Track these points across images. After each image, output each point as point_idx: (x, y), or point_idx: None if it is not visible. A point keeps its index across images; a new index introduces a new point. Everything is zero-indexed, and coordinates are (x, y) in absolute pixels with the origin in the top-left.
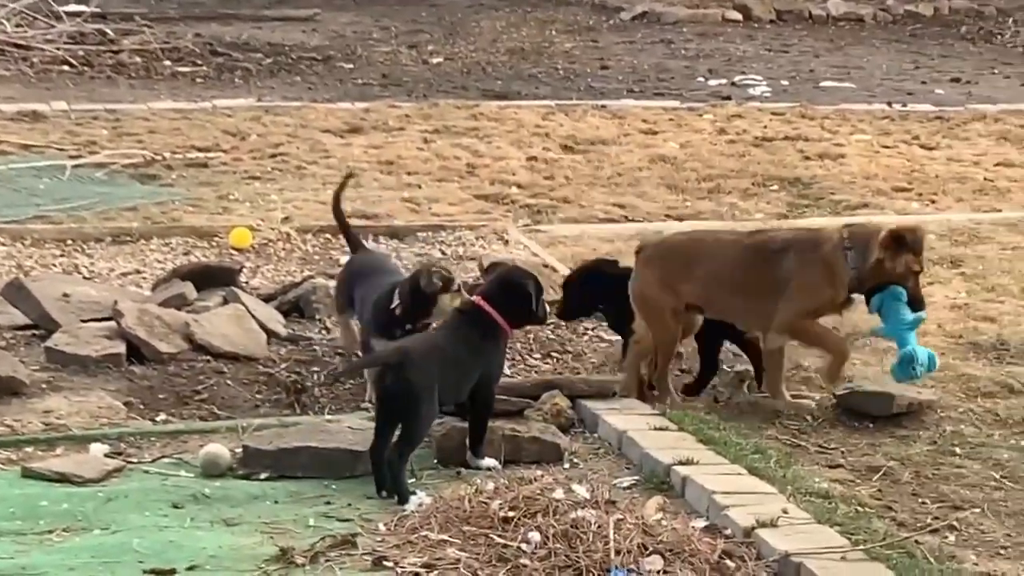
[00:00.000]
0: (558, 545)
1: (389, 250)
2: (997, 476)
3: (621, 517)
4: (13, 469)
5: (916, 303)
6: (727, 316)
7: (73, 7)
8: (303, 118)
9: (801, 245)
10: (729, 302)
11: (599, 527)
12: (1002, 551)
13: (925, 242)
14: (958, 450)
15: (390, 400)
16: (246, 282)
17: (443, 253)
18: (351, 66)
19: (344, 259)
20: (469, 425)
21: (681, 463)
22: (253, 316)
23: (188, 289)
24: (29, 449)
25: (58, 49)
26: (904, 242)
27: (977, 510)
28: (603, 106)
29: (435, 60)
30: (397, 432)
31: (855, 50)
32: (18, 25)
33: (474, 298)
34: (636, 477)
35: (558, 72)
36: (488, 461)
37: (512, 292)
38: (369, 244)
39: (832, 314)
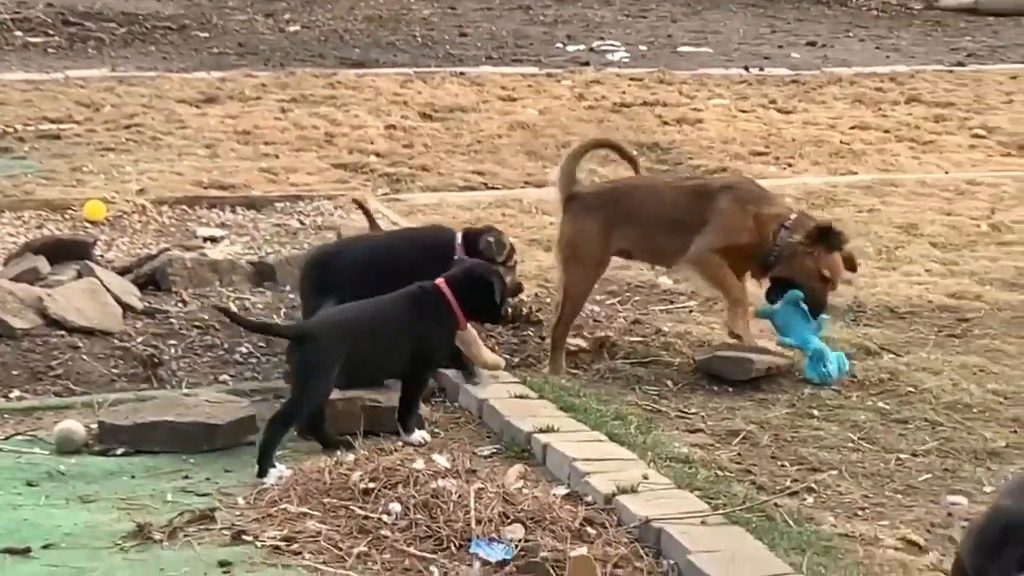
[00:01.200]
0: (419, 515)
1: (246, 221)
2: (855, 438)
3: (482, 486)
4: None
5: (817, 308)
6: (657, 258)
7: None
8: (158, 88)
9: (740, 192)
10: (663, 243)
11: (460, 497)
12: (859, 512)
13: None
14: (816, 413)
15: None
16: (101, 255)
17: (301, 223)
18: (206, 35)
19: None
20: (399, 398)
21: (542, 431)
22: (108, 290)
23: (41, 263)
24: None
25: None
26: (827, 237)
27: (835, 472)
28: (462, 73)
29: (292, 28)
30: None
31: (712, 15)
32: None
33: (438, 281)
34: (497, 446)
35: (416, 39)
36: (417, 435)
37: (477, 285)
38: None
39: (740, 270)
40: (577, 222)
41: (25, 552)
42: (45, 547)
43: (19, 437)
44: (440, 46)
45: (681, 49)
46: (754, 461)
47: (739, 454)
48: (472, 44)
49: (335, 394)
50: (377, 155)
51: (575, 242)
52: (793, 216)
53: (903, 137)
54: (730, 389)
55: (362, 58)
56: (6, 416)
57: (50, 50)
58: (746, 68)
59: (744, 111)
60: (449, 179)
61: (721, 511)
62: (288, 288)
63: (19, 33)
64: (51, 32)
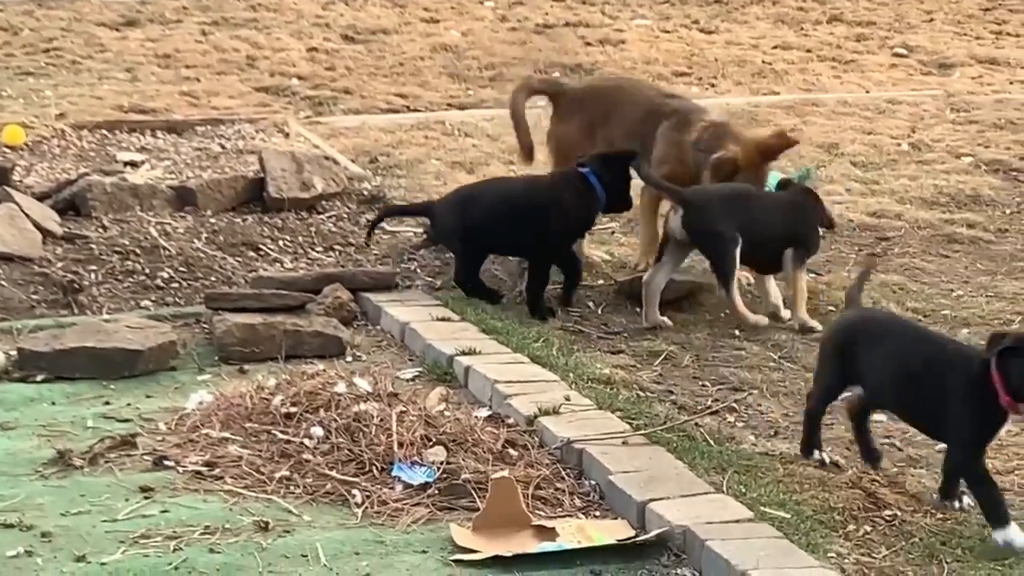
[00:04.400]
0: (341, 439)
1: (167, 145)
2: (776, 357)
3: (404, 409)
4: None
5: None
6: None
7: None
8: (77, 12)
9: (674, 122)
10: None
11: (382, 420)
12: (780, 431)
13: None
14: (737, 333)
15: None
16: (20, 180)
17: (223, 147)
18: None
19: None
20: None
21: (464, 353)
22: (27, 215)
23: None
24: None
25: None
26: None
27: (756, 391)
28: None
29: None
30: None
31: None
32: None
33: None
34: (419, 369)
35: None
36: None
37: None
38: None
39: None
40: (565, 119)
41: None
42: None
43: None
44: None
45: None
46: (675, 381)
47: (660, 375)
48: None
49: (256, 318)
50: (299, 78)
51: (561, 139)
52: (703, 135)
53: (824, 57)
54: None
55: None
56: None
57: None
58: None
59: (667, 31)
60: (372, 102)
61: (642, 431)
62: (208, 213)
63: None
64: None
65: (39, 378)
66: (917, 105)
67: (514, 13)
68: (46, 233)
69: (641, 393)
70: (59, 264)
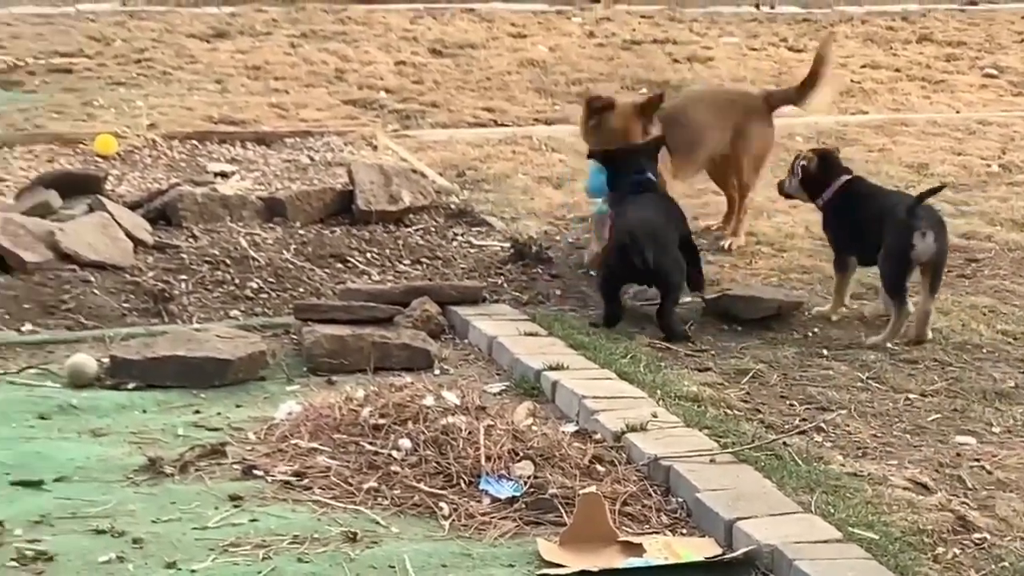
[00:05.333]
0: (429, 452)
1: (256, 156)
2: (864, 377)
3: (491, 423)
4: None
5: None
6: None
7: None
8: (168, 23)
9: None
10: None
11: (469, 433)
12: (868, 451)
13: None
14: (825, 352)
15: None
16: (112, 190)
17: (311, 159)
18: None
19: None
20: None
21: (551, 368)
22: (119, 224)
23: (52, 197)
24: None
25: None
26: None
27: (844, 411)
28: (471, 9)
29: None
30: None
31: None
32: None
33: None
34: (506, 383)
35: None
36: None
37: None
38: None
39: None
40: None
41: (37, 484)
42: (57, 480)
43: (31, 371)
44: None
45: None
46: (763, 400)
47: (748, 393)
48: None
49: (344, 329)
50: (387, 91)
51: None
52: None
53: (914, 76)
54: (739, 328)
55: None
56: (18, 350)
57: None
58: (756, 6)
59: (755, 49)
60: (459, 116)
61: (730, 449)
62: (297, 224)
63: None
64: None
65: (131, 386)
66: (1007, 126)
67: (602, 29)
68: (138, 242)
69: (729, 411)
70: (150, 273)
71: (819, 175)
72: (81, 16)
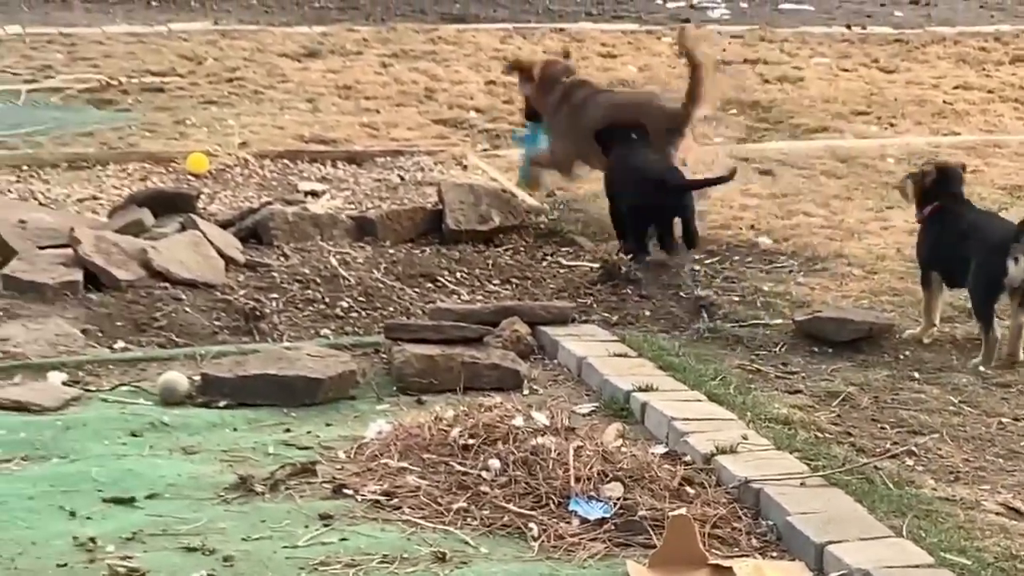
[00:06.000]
0: (518, 472)
1: (347, 175)
2: (956, 401)
3: (581, 444)
4: None
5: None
6: None
7: None
8: (260, 42)
9: None
10: None
11: (559, 454)
12: (960, 476)
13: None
14: (916, 375)
15: None
16: (203, 208)
17: (402, 179)
18: None
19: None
20: None
21: (640, 389)
22: (211, 242)
23: (145, 215)
24: None
25: None
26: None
27: (936, 435)
28: (561, 29)
29: None
30: None
31: None
32: None
33: None
34: (595, 404)
35: None
36: None
37: None
38: None
39: None
40: None
41: (129, 502)
42: (149, 497)
43: (123, 388)
44: (539, 2)
45: (782, 6)
46: (854, 423)
47: (839, 416)
48: (571, 0)
49: (434, 349)
50: (477, 111)
51: None
52: None
53: (1007, 98)
54: (830, 350)
55: (462, 13)
56: (110, 367)
57: (153, 3)
58: (848, 26)
59: (846, 70)
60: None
61: (820, 473)
62: (387, 243)
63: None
64: None
65: (222, 404)
66: None
67: None
68: (229, 260)
69: (819, 434)
70: (241, 291)
71: (932, 188)
72: (173, 35)
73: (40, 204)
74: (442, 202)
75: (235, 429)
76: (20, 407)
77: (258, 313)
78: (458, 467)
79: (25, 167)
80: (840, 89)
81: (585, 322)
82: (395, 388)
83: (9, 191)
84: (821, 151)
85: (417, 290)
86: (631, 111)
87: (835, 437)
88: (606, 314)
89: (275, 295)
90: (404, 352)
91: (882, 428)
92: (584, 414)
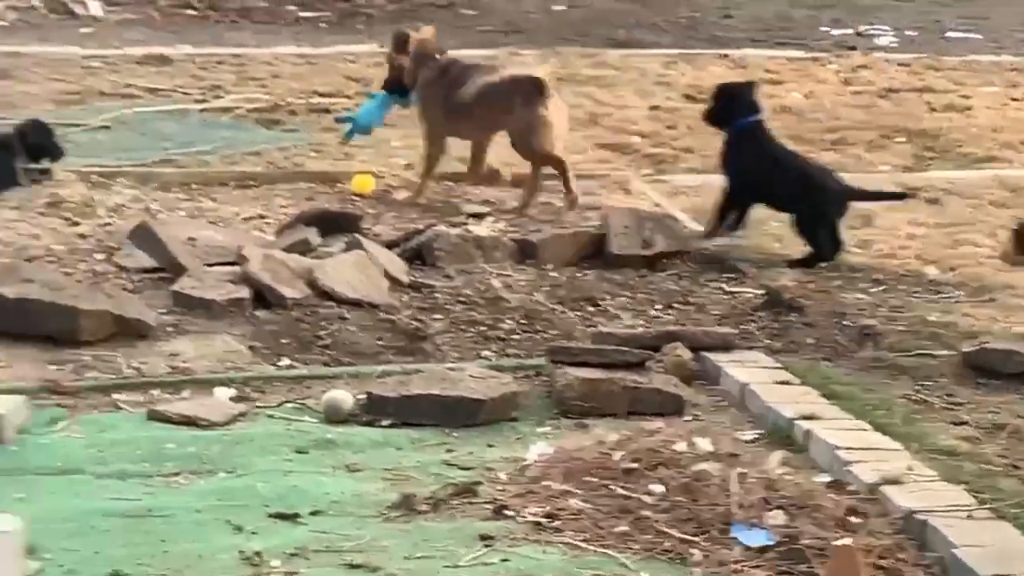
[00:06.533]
0: (680, 498)
1: (510, 198)
2: None
3: (744, 471)
4: (140, 411)
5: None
6: None
7: None
8: None
9: None
10: None
11: (722, 480)
12: None
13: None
14: None
15: None
16: (369, 228)
17: None
18: (474, 13)
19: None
20: None
21: (804, 417)
22: (376, 263)
23: (312, 235)
24: (155, 392)
25: None
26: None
27: None
28: (726, 55)
29: (558, 7)
30: None
31: (983, 0)
32: None
33: None
34: (759, 431)
35: (681, 21)
36: None
37: None
38: None
39: None
40: None
41: (294, 518)
42: (313, 513)
43: (289, 405)
44: (704, 28)
45: (950, 35)
46: (1021, 456)
47: (1006, 448)
48: (736, 26)
49: (596, 373)
50: (641, 136)
51: None
52: None
53: None
54: (997, 382)
55: (627, 39)
56: (276, 384)
57: (321, 25)
58: (1018, 55)
59: (1016, 99)
60: (712, 161)
61: (988, 506)
62: (550, 267)
63: (292, 8)
64: (323, 8)
65: (386, 423)
66: None
67: (858, 76)
68: (393, 281)
69: (986, 467)
70: (405, 312)
71: None
72: (340, 56)
73: (209, 222)
74: (605, 226)
75: (398, 448)
76: (189, 421)
77: (421, 334)
78: (620, 491)
79: (195, 185)
80: (1008, 118)
81: (748, 349)
82: (556, 411)
83: (180, 209)
84: (989, 180)
85: (579, 314)
86: (506, 84)
87: (1003, 470)
88: (769, 341)
89: (438, 316)
90: (566, 375)
91: None
92: (747, 441)
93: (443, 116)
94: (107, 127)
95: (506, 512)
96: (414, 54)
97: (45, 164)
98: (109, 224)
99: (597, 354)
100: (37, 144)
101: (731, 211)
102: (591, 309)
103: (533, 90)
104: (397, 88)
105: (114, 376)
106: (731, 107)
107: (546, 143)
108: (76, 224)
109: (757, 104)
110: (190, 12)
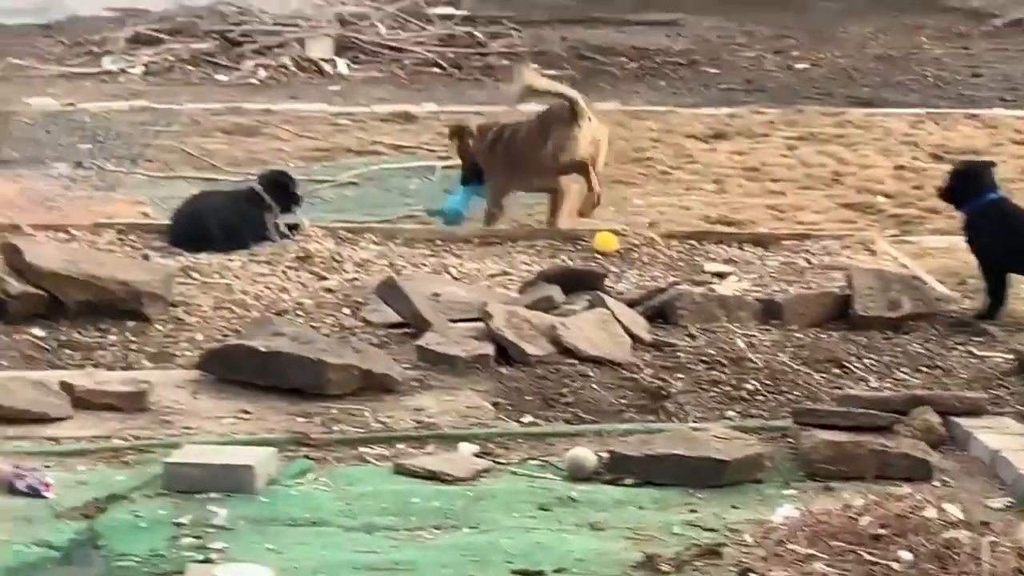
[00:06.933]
0: (930, 566)
1: (753, 258)
2: None
3: (995, 539)
4: (386, 465)
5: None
6: None
7: (443, 10)
8: (667, 123)
9: None
10: None
11: (973, 549)
12: None
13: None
14: None
15: None
16: (611, 286)
17: (808, 262)
18: (716, 71)
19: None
20: None
21: None
22: (618, 321)
23: (555, 292)
24: (401, 446)
25: (429, 51)
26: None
27: None
28: (974, 115)
29: (800, 66)
30: None
31: None
32: (391, 28)
33: None
34: (1010, 499)
35: (927, 79)
36: None
37: None
38: None
39: None
40: None
41: (538, 575)
42: (557, 571)
43: (532, 462)
44: (952, 86)
45: None
46: None
47: None
48: (985, 85)
49: (843, 435)
50: (885, 195)
51: None
52: None
53: None
54: None
55: (871, 97)
56: (519, 440)
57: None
58: None
59: None
60: (957, 222)
61: None
62: (794, 327)
63: (535, 66)
64: (565, 66)
65: (629, 481)
66: None
67: None
68: (635, 339)
69: None
70: (647, 370)
71: None
72: None
73: (453, 278)
74: (850, 287)
75: (641, 507)
76: (433, 476)
77: (664, 392)
78: (867, 557)
79: (439, 241)
80: None
81: (998, 414)
82: (802, 473)
83: (424, 265)
84: None
85: (824, 375)
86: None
87: None
88: (1020, 407)
89: (681, 375)
90: (812, 437)
91: None
92: (998, 509)
93: (506, 177)
94: (354, 183)
95: (751, 575)
96: (478, 135)
97: (294, 219)
98: (356, 279)
99: (844, 416)
100: (283, 195)
101: (990, 283)
102: (836, 371)
103: (565, 112)
104: (476, 177)
105: (361, 430)
106: (967, 187)
107: (574, 154)
108: (324, 278)
109: (994, 182)
110: (435, 70)
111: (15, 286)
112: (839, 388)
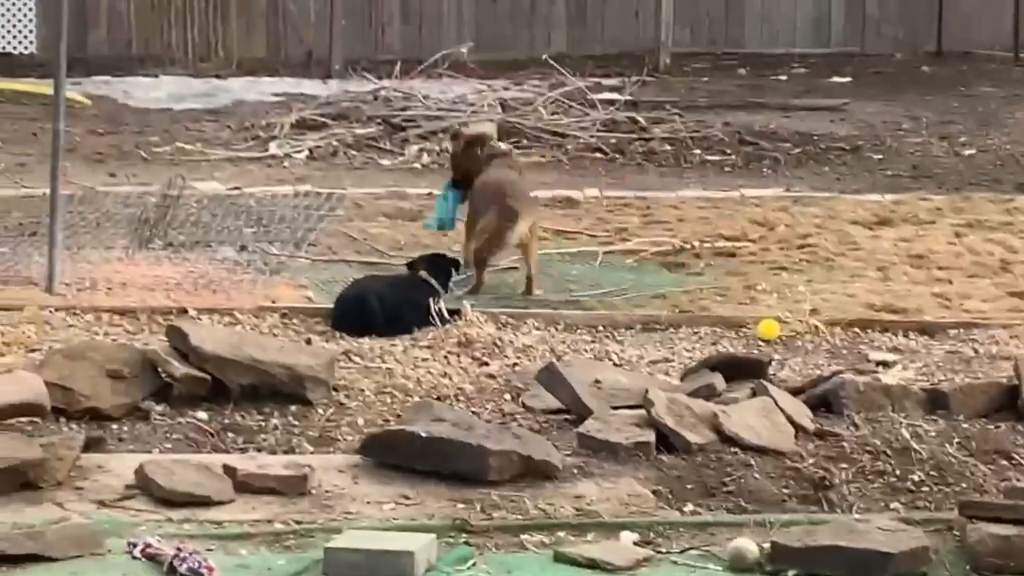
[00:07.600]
0: None
1: (918, 346)
2: None
3: None
4: (546, 552)
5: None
6: None
7: (606, 95)
8: (831, 209)
9: None
10: None
11: None
12: None
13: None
14: None
15: None
16: (774, 374)
17: (975, 352)
18: (880, 157)
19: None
20: None
21: None
22: (781, 409)
23: (717, 380)
24: (561, 534)
25: (591, 137)
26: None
27: None
28: None
29: (967, 152)
30: None
31: None
32: (554, 113)
33: None
34: None
35: None
36: None
37: None
38: None
39: None
40: None
41: None
42: None
43: (693, 551)
44: None
45: None
46: None
47: None
48: None
49: (1011, 529)
50: None
51: None
52: None
53: None
54: None
55: None
56: (680, 530)
57: (726, 168)
58: None
59: None
60: None
61: None
62: (960, 418)
63: (697, 151)
64: (728, 151)
65: (791, 573)
66: None
67: None
68: (798, 428)
69: None
70: (810, 460)
71: None
72: (746, 200)
73: (614, 364)
74: (1018, 378)
75: None
76: (593, 565)
77: (828, 483)
78: None
79: (600, 327)
80: None
81: None
82: (968, 567)
83: (585, 350)
84: None
85: (992, 467)
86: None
87: None
88: None
89: (844, 465)
90: (979, 530)
91: None
92: None
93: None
94: (514, 268)
95: None
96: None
97: (456, 304)
98: (516, 364)
99: (1012, 510)
100: (447, 279)
101: None
102: (1004, 463)
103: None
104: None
105: (521, 516)
106: None
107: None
108: (485, 364)
109: None
110: (598, 155)
111: (180, 369)
112: (1007, 480)
